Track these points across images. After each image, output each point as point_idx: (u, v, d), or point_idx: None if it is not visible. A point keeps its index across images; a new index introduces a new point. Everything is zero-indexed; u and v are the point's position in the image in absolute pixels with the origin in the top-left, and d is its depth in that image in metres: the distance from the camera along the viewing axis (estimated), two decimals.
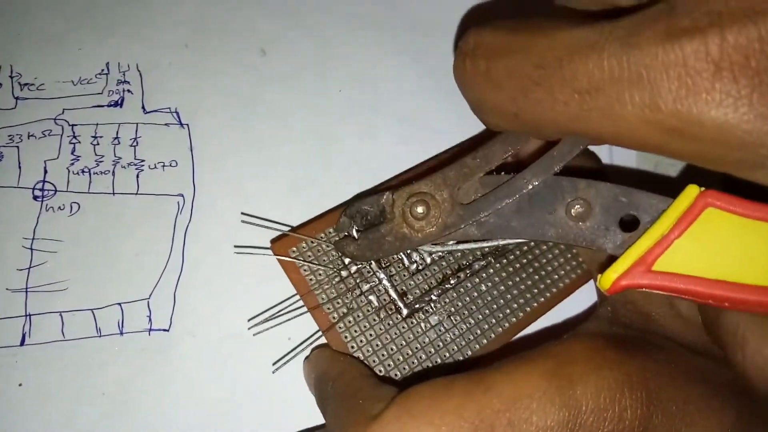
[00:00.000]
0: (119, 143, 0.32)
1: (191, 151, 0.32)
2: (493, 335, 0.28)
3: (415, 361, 0.27)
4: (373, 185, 0.32)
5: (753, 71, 0.16)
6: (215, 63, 0.34)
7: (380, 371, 0.26)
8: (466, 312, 0.28)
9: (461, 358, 0.27)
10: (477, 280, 0.29)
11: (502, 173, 0.24)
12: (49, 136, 0.31)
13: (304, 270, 0.27)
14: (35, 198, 0.30)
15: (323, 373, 0.25)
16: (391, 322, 0.27)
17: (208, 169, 0.32)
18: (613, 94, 0.18)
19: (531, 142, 0.25)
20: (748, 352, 0.22)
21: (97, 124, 0.32)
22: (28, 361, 0.28)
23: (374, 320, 0.27)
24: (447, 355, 0.27)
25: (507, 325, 0.29)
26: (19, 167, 0.31)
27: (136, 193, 0.31)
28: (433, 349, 0.27)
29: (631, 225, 0.22)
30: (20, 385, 0.27)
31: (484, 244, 0.27)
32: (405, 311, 0.27)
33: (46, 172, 0.31)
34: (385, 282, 0.27)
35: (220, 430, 0.28)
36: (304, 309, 0.27)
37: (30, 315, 0.28)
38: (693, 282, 0.20)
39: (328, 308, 0.26)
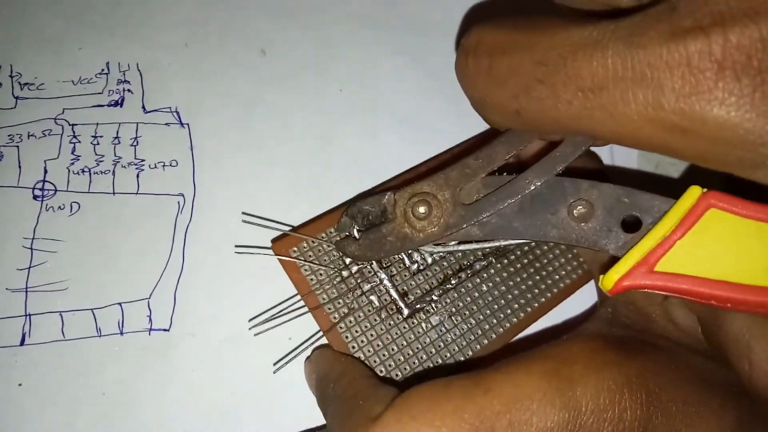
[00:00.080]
0: (119, 143, 0.32)
1: (191, 150, 0.32)
2: (493, 335, 0.28)
3: (416, 361, 0.27)
4: (373, 185, 0.32)
5: (755, 70, 0.16)
6: (215, 63, 0.34)
7: (381, 371, 0.26)
8: (467, 312, 0.28)
9: (462, 358, 0.27)
10: (478, 280, 0.29)
11: (504, 174, 0.24)
12: (49, 135, 0.31)
13: (305, 270, 0.27)
14: (35, 198, 0.30)
15: (324, 373, 0.25)
16: (392, 322, 0.27)
17: (208, 168, 0.32)
18: (616, 93, 0.18)
19: (533, 143, 0.25)
20: (754, 360, 0.22)
21: (97, 124, 0.32)
22: (28, 360, 0.28)
23: (375, 320, 0.27)
24: (448, 355, 0.27)
25: (508, 325, 0.29)
26: (19, 167, 0.30)
27: (137, 193, 0.31)
28: (433, 350, 0.27)
29: (633, 226, 0.22)
30: (20, 385, 0.27)
31: (486, 245, 0.27)
32: (406, 311, 0.27)
33: (46, 171, 0.31)
34: (386, 282, 0.27)
35: (220, 430, 0.28)
36: (305, 309, 0.27)
37: (30, 315, 0.28)
38: (695, 282, 0.20)
39: (329, 308, 0.26)
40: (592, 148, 0.31)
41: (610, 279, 0.21)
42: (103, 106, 0.32)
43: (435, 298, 0.28)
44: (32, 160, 0.31)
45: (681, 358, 0.24)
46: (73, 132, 0.31)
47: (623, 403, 0.21)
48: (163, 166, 0.31)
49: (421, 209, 0.24)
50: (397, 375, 0.26)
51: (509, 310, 0.29)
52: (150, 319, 0.29)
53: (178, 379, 0.28)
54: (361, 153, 0.33)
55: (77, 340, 0.28)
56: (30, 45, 0.33)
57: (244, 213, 0.31)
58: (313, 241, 0.27)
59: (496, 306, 0.29)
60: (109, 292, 0.29)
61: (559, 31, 0.19)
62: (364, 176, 0.32)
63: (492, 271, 0.29)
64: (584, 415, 0.20)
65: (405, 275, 0.28)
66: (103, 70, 0.33)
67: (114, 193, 0.31)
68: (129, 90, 0.33)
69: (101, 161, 0.31)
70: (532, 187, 0.23)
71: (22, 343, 0.28)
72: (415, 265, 0.28)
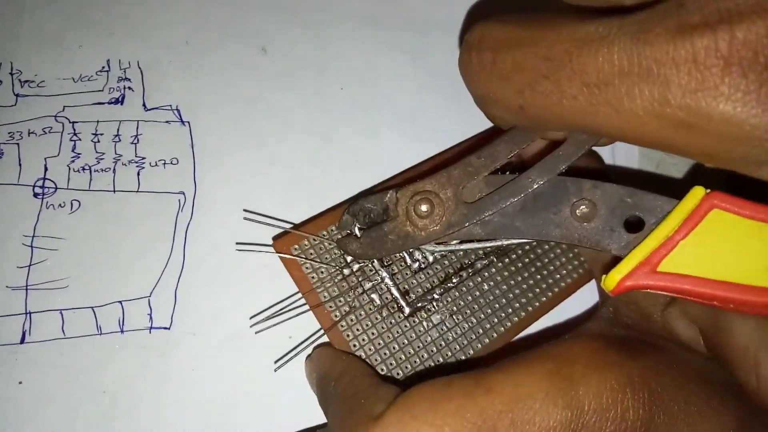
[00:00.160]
0: (120, 141, 0.32)
1: (192, 148, 0.32)
2: (494, 334, 0.28)
3: (417, 360, 0.27)
4: (374, 183, 0.32)
5: (761, 66, 0.16)
6: (216, 60, 0.34)
7: (382, 370, 0.26)
8: (468, 311, 0.28)
9: (463, 357, 0.27)
10: (479, 279, 0.29)
11: (507, 173, 0.24)
12: (50, 133, 0.31)
13: (306, 268, 0.27)
14: (36, 195, 0.30)
15: (325, 372, 0.25)
16: (393, 320, 0.27)
17: (209, 166, 0.32)
18: (622, 88, 0.18)
19: (535, 142, 0.25)
20: (762, 374, 0.22)
21: (97, 122, 0.32)
22: (28, 359, 0.28)
23: (376, 319, 0.27)
24: (449, 354, 0.27)
25: (509, 324, 0.29)
26: (20, 164, 0.30)
27: (137, 191, 0.31)
28: (434, 348, 0.27)
29: (636, 226, 0.22)
30: (20, 383, 0.27)
31: (488, 244, 0.27)
32: (407, 310, 0.27)
33: (46, 169, 0.30)
34: (387, 280, 0.27)
35: (221, 428, 0.28)
36: (306, 307, 0.27)
37: (30, 313, 0.28)
38: (698, 283, 0.20)
39: (330, 306, 0.26)
40: (594, 149, 0.31)
41: (613, 279, 0.21)
42: (103, 103, 0.32)
43: (436, 296, 0.28)
44: (32, 158, 0.31)
45: (682, 358, 0.24)
46: (74, 130, 0.31)
47: (626, 403, 0.21)
48: (164, 164, 0.31)
49: (423, 207, 0.24)
50: (398, 374, 0.26)
51: (510, 309, 0.29)
52: (150, 318, 0.29)
53: (178, 377, 0.28)
54: (361, 151, 0.33)
55: (77, 338, 0.28)
56: (30, 42, 0.33)
57: (245, 210, 0.30)
58: (314, 239, 0.27)
59: (497, 305, 0.29)
60: (110, 290, 0.29)
61: (565, 26, 0.19)
62: (365, 174, 0.32)
63: (493, 270, 0.29)
64: (587, 415, 0.20)
65: (406, 274, 0.28)
66: (103, 67, 0.33)
67: (114, 191, 0.31)
68: (130, 88, 0.33)
69: (102, 159, 0.31)
70: (535, 186, 0.23)
71: (22, 341, 0.28)
72: (417, 264, 0.28)
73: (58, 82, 0.32)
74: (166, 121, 0.32)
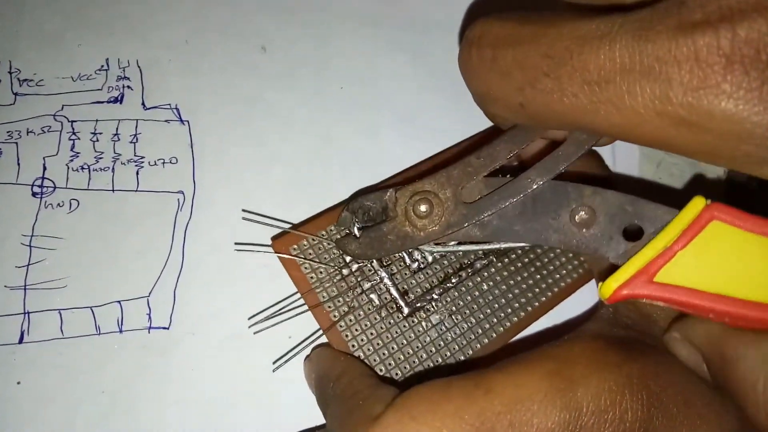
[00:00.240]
0: (119, 140, 0.31)
1: (191, 147, 0.32)
2: (494, 335, 0.28)
3: (416, 360, 0.27)
4: (373, 183, 0.32)
5: (764, 64, 0.16)
6: (216, 60, 0.34)
7: (381, 370, 0.26)
8: (467, 311, 0.28)
9: (462, 357, 0.27)
10: (478, 279, 0.29)
11: (508, 176, 0.24)
12: (48, 132, 0.31)
13: (305, 268, 0.27)
14: (34, 195, 0.30)
15: (324, 373, 0.25)
16: (392, 320, 0.27)
17: (208, 166, 0.32)
18: (623, 86, 0.18)
19: (535, 143, 0.25)
20: None
21: (96, 121, 0.32)
22: (26, 359, 0.28)
23: (375, 319, 0.27)
24: (448, 354, 0.27)
25: (508, 324, 0.29)
26: (18, 164, 0.30)
27: (136, 190, 0.31)
28: (433, 349, 0.27)
29: (635, 235, 0.22)
30: (18, 383, 0.27)
31: (486, 247, 0.27)
32: (406, 310, 0.27)
33: (45, 168, 0.30)
34: (386, 280, 0.27)
35: (220, 428, 0.28)
36: (305, 307, 0.27)
37: (29, 312, 0.28)
38: (694, 295, 0.20)
39: (329, 306, 0.26)
40: (596, 149, 0.31)
41: (609, 287, 0.21)
42: (102, 102, 0.32)
43: (435, 296, 0.28)
44: (31, 157, 0.31)
45: None
46: (73, 129, 0.31)
47: (624, 404, 0.21)
48: (163, 163, 0.31)
49: (423, 207, 0.24)
50: (396, 374, 0.26)
51: (509, 309, 0.29)
52: (149, 318, 0.29)
53: (177, 377, 0.28)
54: (361, 151, 0.33)
55: (76, 338, 0.28)
56: (29, 41, 0.33)
57: (244, 210, 0.30)
58: (313, 239, 0.27)
59: (496, 305, 0.29)
60: (109, 290, 0.29)
61: (566, 24, 0.19)
62: (365, 174, 0.32)
63: (492, 270, 0.29)
64: (585, 416, 0.20)
65: (405, 274, 0.28)
66: (102, 66, 0.33)
67: (113, 191, 0.31)
68: (129, 87, 0.33)
69: (101, 158, 0.31)
70: (534, 186, 0.23)
71: (20, 341, 0.28)
72: (416, 264, 0.28)
73: (57, 80, 0.32)
74: (166, 120, 0.32)
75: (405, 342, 0.27)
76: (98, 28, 0.34)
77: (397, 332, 0.27)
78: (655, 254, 0.21)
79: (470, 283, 0.29)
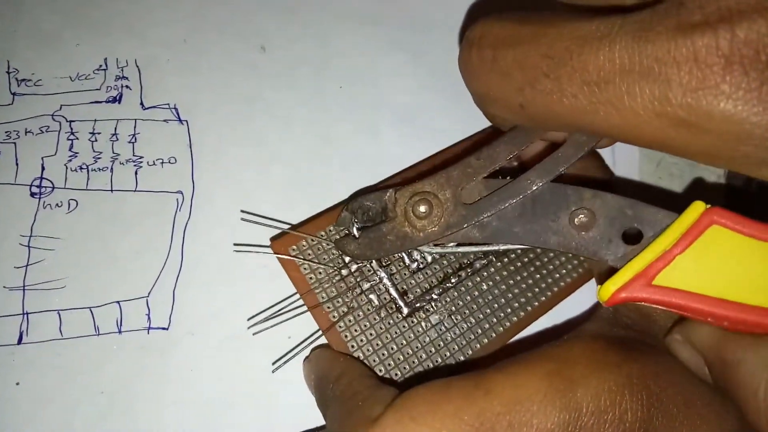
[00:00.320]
0: (117, 139, 0.31)
1: (190, 147, 0.32)
2: (493, 335, 0.28)
3: (416, 360, 0.27)
4: (372, 183, 0.32)
5: (763, 65, 0.16)
6: (214, 59, 0.34)
7: (380, 371, 0.26)
8: (467, 311, 0.28)
9: (462, 357, 0.27)
10: (478, 279, 0.29)
11: (508, 177, 0.24)
12: (47, 132, 0.31)
13: (305, 268, 0.27)
14: (33, 195, 0.30)
15: (323, 374, 0.25)
16: (391, 321, 0.27)
17: (207, 165, 0.32)
18: (623, 86, 0.18)
19: (535, 144, 0.25)
20: None
21: (95, 121, 0.32)
22: (25, 359, 0.27)
23: (374, 319, 0.27)
24: (447, 354, 0.27)
25: (508, 324, 0.29)
26: (17, 164, 0.30)
27: (135, 190, 0.31)
28: (433, 349, 0.27)
29: (634, 238, 0.22)
30: (17, 384, 0.27)
31: (485, 248, 0.27)
32: (405, 310, 0.27)
33: (43, 168, 0.30)
34: (385, 281, 0.27)
35: (219, 429, 0.27)
36: (304, 308, 0.26)
37: (27, 313, 0.28)
38: (693, 299, 0.20)
39: (328, 307, 0.26)
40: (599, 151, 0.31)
41: (607, 290, 0.21)
42: (101, 102, 0.32)
43: (435, 296, 0.28)
44: (29, 157, 0.30)
45: None
46: (71, 128, 0.31)
47: (624, 405, 0.21)
48: (162, 163, 0.31)
49: (422, 208, 0.24)
50: (396, 374, 0.26)
51: (509, 309, 0.29)
52: (149, 318, 0.29)
53: (176, 378, 0.28)
54: (361, 151, 0.33)
55: (75, 339, 0.28)
56: (27, 41, 0.33)
57: (242, 211, 0.30)
58: (312, 240, 0.27)
59: (495, 305, 0.29)
60: (108, 291, 0.29)
61: (566, 25, 0.19)
62: (364, 174, 0.32)
63: (492, 269, 0.29)
64: (585, 417, 0.20)
65: (404, 274, 0.28)
66: (101, 66, 0.33)
67: (112, 191, 0.30)
68: (127, 86, 0.32)
69: (99, 158, 0.31)
70: (534, 188, 0.23)
71: (19, 342, 0.28)
72: (415, 264, 0.28)
73: (55, 80, 0.32)
74: (164, 120, 0.32)
75: (404, 342, 0.27)
76: (96, 27, 0.33)
77: (396, 332, 0.27)
78: (654, 258, 0.21)
79: (470, 283, 0.29)
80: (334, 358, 0.26)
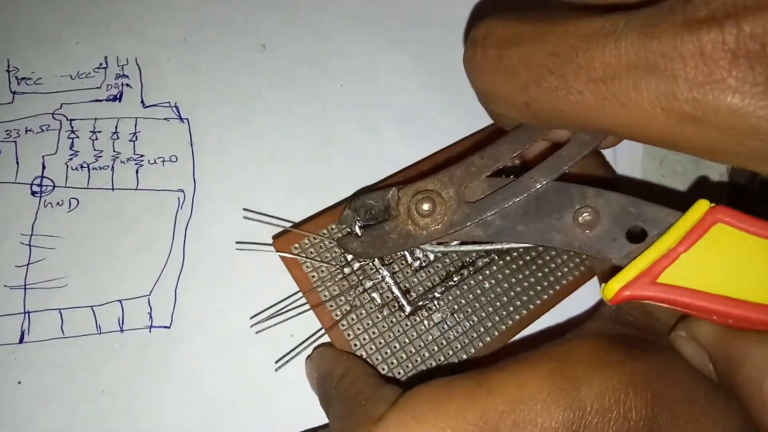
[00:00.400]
0: (118, 138, 0.31)
1: (191, 146, 0.32)
2: (496, 333, 0.28)
3: (419, 359, 0.27)
4: (373, 182, 0.32)
5: None
6: (215, 57, 0.34)
7: (383, 369, 0.26)
8: (469, 309, 0.28)
9: (464, 356, 0.27)
10: (480, 277, 0.29)
11: (511, 176, 0.24)
12: (47, 130, 0.31)
13: (307, 267, 0.27)
14: (33, 194, 0.30)
15: (326, 373, 0.25)
16: (394, 319, 0.27)
17: (208, 164, 0.31)
18: (629, 82, 0.18)
19: (537, 144, 0.24)
20: None
21: (95, 119, 0.31)
22: (26, 358, 0.27)
23: (377, 318, 0.27)
24: (450, 353, 0.27)
25: (510, 322, 0.29)
26: (17, 162, 0.30)
27: (136, 189, 0.31)
28: (436, 347, 0.27)
29: (638, 236, 0.22)
30: (19, 383, 0.27)
31: (488, 247, 0.27)
32: (408, 309, 0.27)
33: (44, 167, 0.30)
34: (388, 279, 0.27)
35: (221, 429, 0.27)
36: (307, 306, 0.26)
37: (29, 312, 0.28)
38: (698, 296, 0.20)
39: (331, 305, 0.26)
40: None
41: (611, 288, 0.21)
42: (101, 100, 0.32)
43: (437, 295, 0.28)
44: (30, 156, 0.30)
45: None
46: (72, 127, 0.31)
47: (628, 403, 0.21)
48: (163, 161, 0.31)
49: (425, 206, 0.24)
50: (398, 373, 0.26)
51: (511, 308, 0.29)
52: (150, 317, 0.29)
53: (178, 376, 0.28)
54: (361, 149, 0.33)
55: (77, 338, 0.28)
56: (27, 39, 0.32)
57: (245, 209, 0.30)
58: (314, 238, 0.27)
59: (498, 303, 0.29)
60: (109, 289, 0.29)
61: (571, 22, 0.19)
62: (365, 172, 0.32)
63: (494, 268, 0.29)
64: (589, 415, 0.20)
65: (407, 272, 0.28)
66: (101, 64, 0.33)
67: (113, 189, 0.30)
68: (128, 85, 0.32)
69: (100, 157, 0.31)
70: (538, 186, 0.23)
71: (20, 341, 0.28)
72: (417, 262, 0.28)
73: (55, 79, 0.32)
74: (165, 119, 0.32)
75: (407, 341, 0.27)
76: (96, 25, 0.33)
77: (399, 331, 0.27)
78: (659, 256, 0.21)
79: (472, 282, 0.29)
80: (336, 356, 0.26)
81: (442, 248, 0.27)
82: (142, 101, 0.32)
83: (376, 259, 0.27)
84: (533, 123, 0.23)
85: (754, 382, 0.20)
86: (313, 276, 0.27)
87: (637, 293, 0.21)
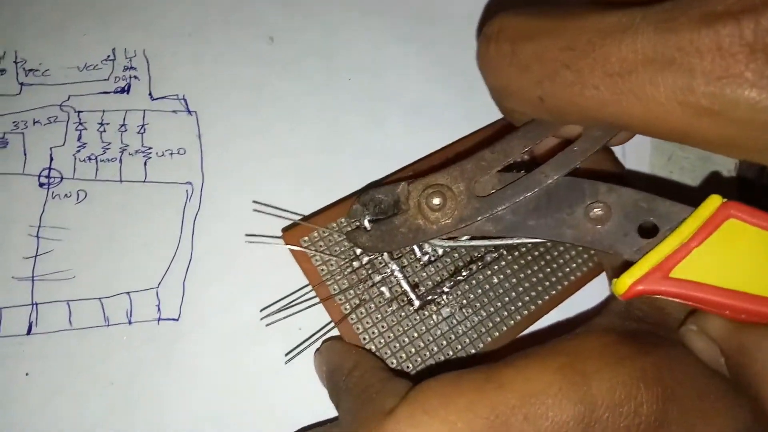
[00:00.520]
0: (126, 130, 0.31)
1: (199, 138, 0.32)
2: (504, 328, 0.28)
3: (428, 353, 0.27)
4: (382, 175, 0.32)
5: None
6: (223, 49, 0.34)
7: (392, 363, 0.26)
8: (478, 304, 0.28)
9: (473, 350, 0.27)
10: (489, 272, 0.29)
11: (522, 171, 0.24)
12: (55, 122, 0.31)
13: (316, 260, 0.27)
14: (41, 185, 0.30)
15: (336, 366, 0.25)
16: (403, 313, 0.27)
17: (216, 156, 0.31)
18: (645, 77, 0.18)
19: (548, 140, 0.24)
20: None
21: (103, 111, 0.31)
22: (35, 350, 0.27)
23: (386, 312, 0.27)
24: (459, 347, 0.27)
25: (518, 317, 0.29)
26: (25, 154, 0.30)
27: (144, 181, 0.30)
28: (445, 342, 0.27)
29: (650, 232, 0.22)
30: (27, 374, 0.27)
31: (499, 242, 0.27)
32: (417, 303, 0.27)
33: (52, 159, 0.30)
34: (397, 273, 0.27)
35: (229, 421, 0.27)
36: (316, 300, 0.26)
37: (36, 304, 0.28)
38: (710, 291, 0.20)
39: (340, 299, 0.26)
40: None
41: (623, 283, 0.21)
42: (109, 92, 0.32)
43: (446, 289, 0.28)
44: (38, 148, 0.30)
45: None
46: (79, 119, 0.31)
47: (639, 398, 0.21)
48: (171, 153, 0.31)
49: (436, 200, 0.24)
50: (408, 367, 0.26)
51: (520, 303, 0.29)
52: (159, 309, 0.29)
53: (187, 369, 0.28)
54: (370, 142, 0.33)
55: (85, 330, 0.28)
56: (34, 30, 0.32)
57: (255, 201, 0.30)
58: (323, 231, 0.27)
59: (506, 298, 0.29)
60: (117, 281, 0.29)
61: (587, 17, 0.19)
62: (375, 165, 0.32)
63: (503, 263, 0.29)
64: (600, 409, 0.20)
65: (416, 266, 0.28)
66: (109, 56, 0.32)
67: (121, 181, 0.30)
68: (135, 77, 0.32)
69: (108, 149, 0.31)
70: (549, 181, 0.23)
71: (28, 333, 0.28)
72: (426, 257, 0.28)
73: (62, 71, 0.32)
74: (173, 111, 0.32)
75: (416, 335, 0.27)
76: (104, 17, 0.33)
77: (408, 325, 0.27)
78: (671, 250, 0.21)
79: (480, 276, 0.29)
80: (346, 349, 0.26)
81: (451, 243, 0.27)
82: (150, 93, 0.32)
83: (384, 254, 0.27)
84: (546, 118, 0.23)
85: (766, 375, 0.20)
86: (322, 269, 0.27)
87: (649, 288, 0.21)
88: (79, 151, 0.30)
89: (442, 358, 0.27)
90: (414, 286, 0.27)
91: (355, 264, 0.27)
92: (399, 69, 0.35)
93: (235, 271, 0.29)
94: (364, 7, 0.36)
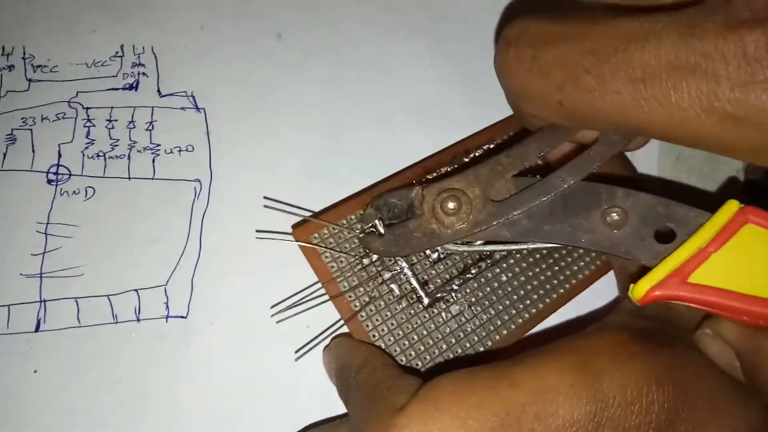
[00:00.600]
0: (134, 127, 0.31)
1: (208, 135, 0.32)
2: (513, 326, 0.28)
3: (437, 351, 0.27)
4: (390, 173, 0.31)
5: None
6: (231, 46, 0.34)
7: (401, 360, 0.26)
8: (487, 302, 0.28)
9: (481, 348, 0.27)
10: (498, 270, 0.29)
11: (537, 176, 0.24)
12: (63, 119, 0.31)
13: (326, 257, 0.27)
14: (49, 182, 0.30)
15: (345, 363, 0.25)
16: (412, 311, 0.27)
17: (225, 153, 0.31)
18: (669, 83, 0.18)
19: (562, 146, 0.24)
20: None
21: (111, 108, 0.31)
22: (43, 347, 0.27)
23: (396, 309, 0.27)
24: (468, 345, 0.27)
25: (527, 315, 0.29)
26: (33, 150, 0.30)
27: (152, 178, 0.30)
28: (454, 339, 0.27)
29: (667, 237, 0.22)
30: (35, 371, 0.27)
31: (514, 247, 0.26)
32: (426, 300, 0.27)
33: (60, 155, 0.30)
34: (406, 271, 0.27)
35: (239, 419, 0.27)
36: (326, 297, 0.26)
37: (45, 301, 0.28)
38: (729, 296, 0.20)
39: (350, 296, 0.26)
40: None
41: (641, 288, 0.21)
42: (117, 89, 0.32)
43: (455, 287, 0.28)
44: (46, 144, 0.30)
45: None
46: (88, 115, 0.31)
47: (650, 396, 0.21)
48: (179, 151, 0.31)
49: (450, 205, 0.23)
50: (417, 364, 0.26)
51: (529, 301, 0.29)
52: (167, 306, 0.29)
53: (195, 366, 0.28)
54: (379, 140, 0.33)
55: (93, 327, 0.28)
56: (43, 27, 0.32)
57: (265, 198, 0.30)
58: (333, 228, 0.27)
59: (516, 296, 0.29)
60: (126, 279, 0.29)
61: (609, 22, 0.19)
62: (383, 163, 0.31)
63: (512, 261, 0.29)
64: (611, 408, 0.20)
65: (425, 264, 0.28)
66: (117, 52, 0.32)
67: (129, 178, 0.30)
68: (144, 73, 0.32)
69: (116, 145, 0.31)
70: (565, 186, 0.23)
71: (37, 330, 0.28)
72: (436, 254, 0.28)
73: (71, 67, 0.32)
74: (181, 108, 0.32)
75: (425, 332, 0.27)
76: (112, 13, 0.33)
77: (417, 323, 0.27)
78: (689, 255, 0.20)
79: (489, 274, 0.29)
80: (355, 346, 0.26)
81: (466, 247, 0.27)
82: (159, 90, 0.32)
83: None
84: (565, 123, 0.23)
85: None
86: (332, 266, 0.27)
87: (667, 293, 0.21)
88: (87, 147, 0.30)
89: (451, 355, 0.27)
90: (423, 284, 0.27)
91: (365, 261, 0.27)
92: (408, 66, 0.35)
93: (243, 268, 0.29)
94: (372, 4, 0.36)
